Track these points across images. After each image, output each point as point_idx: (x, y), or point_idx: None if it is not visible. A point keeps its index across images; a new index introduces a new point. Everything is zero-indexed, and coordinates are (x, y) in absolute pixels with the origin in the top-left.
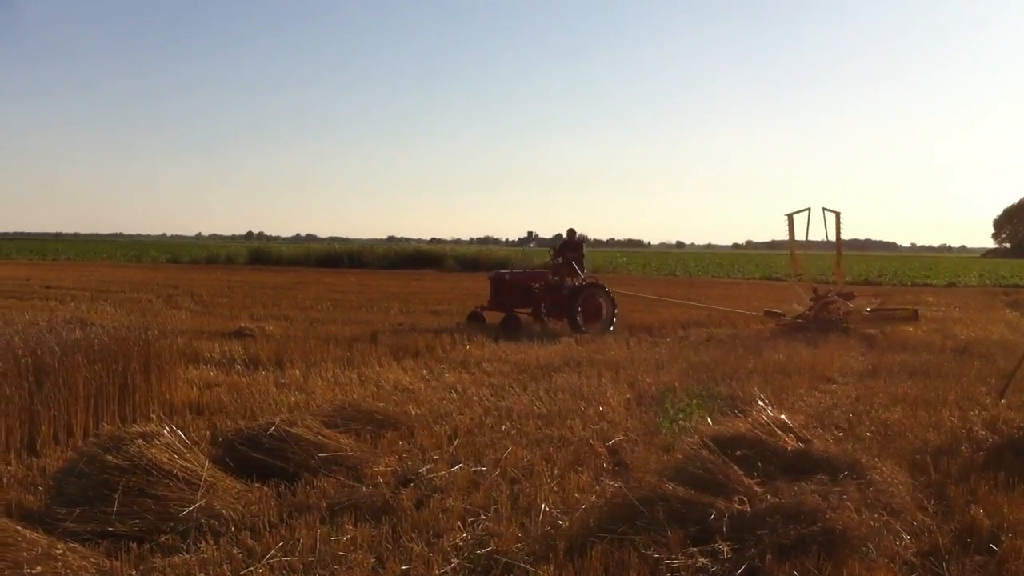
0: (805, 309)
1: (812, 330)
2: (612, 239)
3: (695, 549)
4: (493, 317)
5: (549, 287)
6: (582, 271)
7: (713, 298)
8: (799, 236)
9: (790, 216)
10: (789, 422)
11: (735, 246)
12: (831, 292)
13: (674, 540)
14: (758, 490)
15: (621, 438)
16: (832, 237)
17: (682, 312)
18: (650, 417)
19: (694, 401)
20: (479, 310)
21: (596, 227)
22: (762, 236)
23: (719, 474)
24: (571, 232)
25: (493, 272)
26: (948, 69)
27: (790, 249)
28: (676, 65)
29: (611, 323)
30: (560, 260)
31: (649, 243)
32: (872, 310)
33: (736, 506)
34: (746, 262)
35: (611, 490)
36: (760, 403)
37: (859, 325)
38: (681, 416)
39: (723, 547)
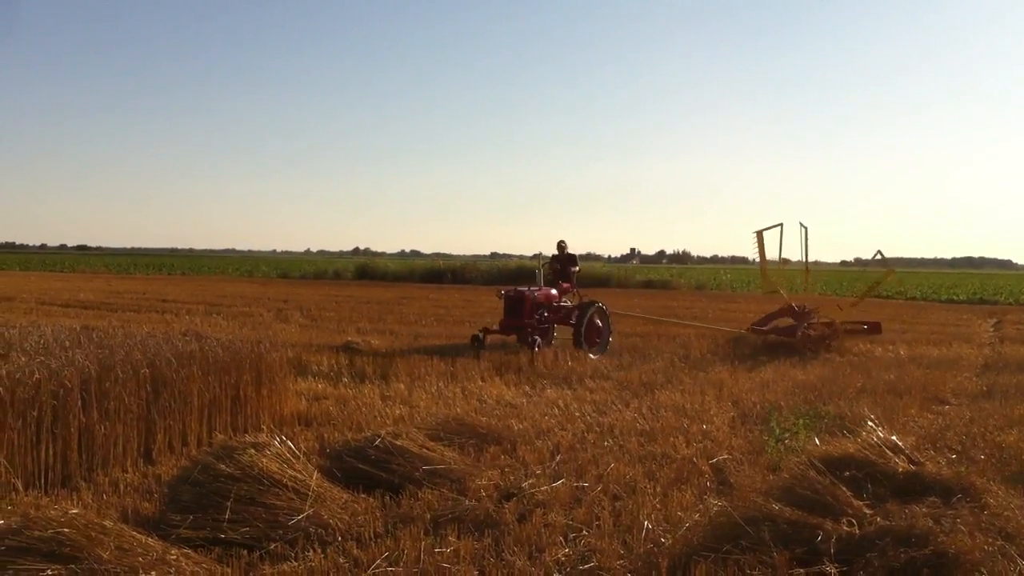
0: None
1: (800, 347)
2: (716, 256)
3: (802, 571)
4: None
5: (559, 307)
6: (574, 285)
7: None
8: (771, 253)
9: (759, 232)
10: (900, 443)
11: (842, 263)
12: (806, 307)
13: (780, 561)
14: (867, 512)
15: (725, 456)
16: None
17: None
18: (755, 436)
19: (800, 420)
20: (482, 333)
21: (700, 244)
22: (871, 253)
23: (827, 495)
24: (561, 245)
25: (510, 289)
26: None
27: (760, 265)
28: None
29: (607, 344)
30: (556, 272)
31: (754, 260)
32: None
33: (845, 528)
34: (854, 279)
35: (715, 509)
36: (870, 424)
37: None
38: (787, 435)
39: (831, 569)
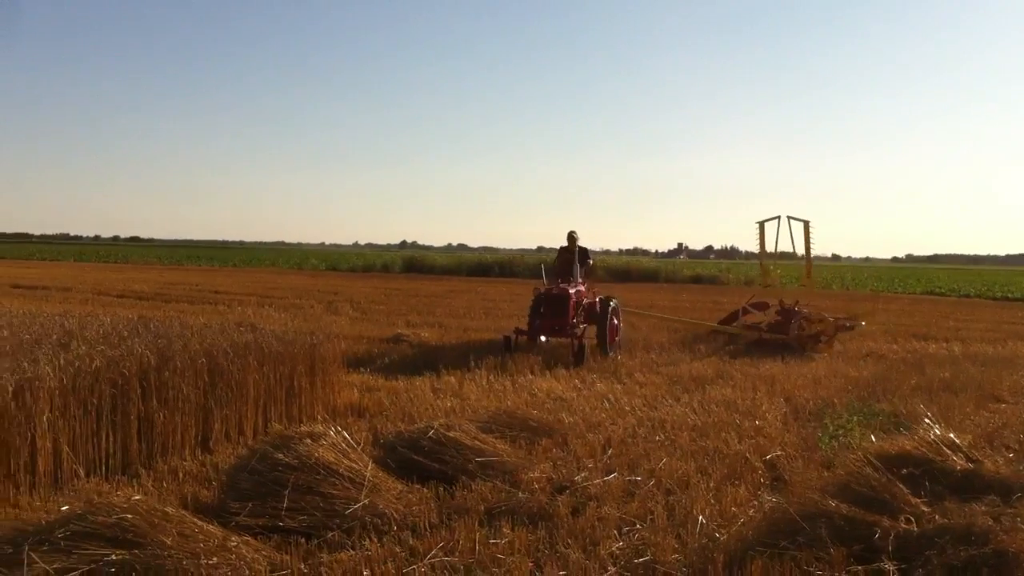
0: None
1: (793, 344)
2: (782, 252)
3: (859, 568)
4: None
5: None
6: (588, 281)
7: (872, 313)
8: (768, 245)
9: (761, 224)
10: (957, 441)
11: (895, 260)
12: (797, 304)
13: (837, 558)
14: (925, 510)
15: (778, 453)
16: (801, 247)
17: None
18: (808, 432)
19: (854, 417)
20: (515, 335)
21: (747, 239)
22: (924, 250)
23: (884, 492)
24: (571, 236)
25: (552, 286)
26: None
27: (759, 258)
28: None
29: (618, 344)
30: (566, 267)
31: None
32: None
33: (902, 525)
34: (907, 276)
35: (770, 504)
36: (926, 421)
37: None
38: (841, 432)
39: (889, 566)
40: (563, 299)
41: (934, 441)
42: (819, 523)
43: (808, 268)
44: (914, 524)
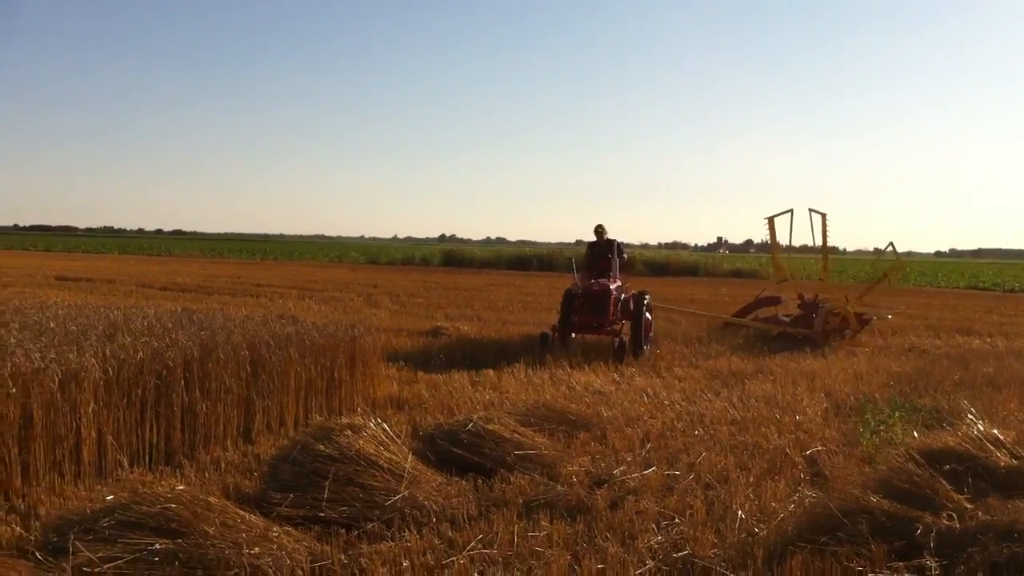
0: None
1: (819, 340)
2: (804, 245)
3: (901, 564)
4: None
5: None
6: (616, 275)
7: (914, 307)
8: (782, 239)
9: (771, 219)
10: (1001, 437)
11: (937, 254)
12: (819, 297)
13: (878, 554)
14: (968, 506)
15: (818, 448)
16: (819, 239)
17: (880, 320)
18: (849, 428)
19: (896, 413)
20: (552, 332)
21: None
22: (968, 244)
23: (926, 488)
24: (599, 230)
25: (593, 282)
26: None
27: (772, 252)
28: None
29: (650, 340)
30: (596, 263)
31: (845, 250)
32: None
33: (944, 522)
34: (950, 271)
35: (810, 500)
36: (970, 417)
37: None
38: (882, 427)
39: (931, 563)
40: (603, 295)
41: (977, 437)
42: (860, 519)
43: (825, 262)
44: (956, 521)
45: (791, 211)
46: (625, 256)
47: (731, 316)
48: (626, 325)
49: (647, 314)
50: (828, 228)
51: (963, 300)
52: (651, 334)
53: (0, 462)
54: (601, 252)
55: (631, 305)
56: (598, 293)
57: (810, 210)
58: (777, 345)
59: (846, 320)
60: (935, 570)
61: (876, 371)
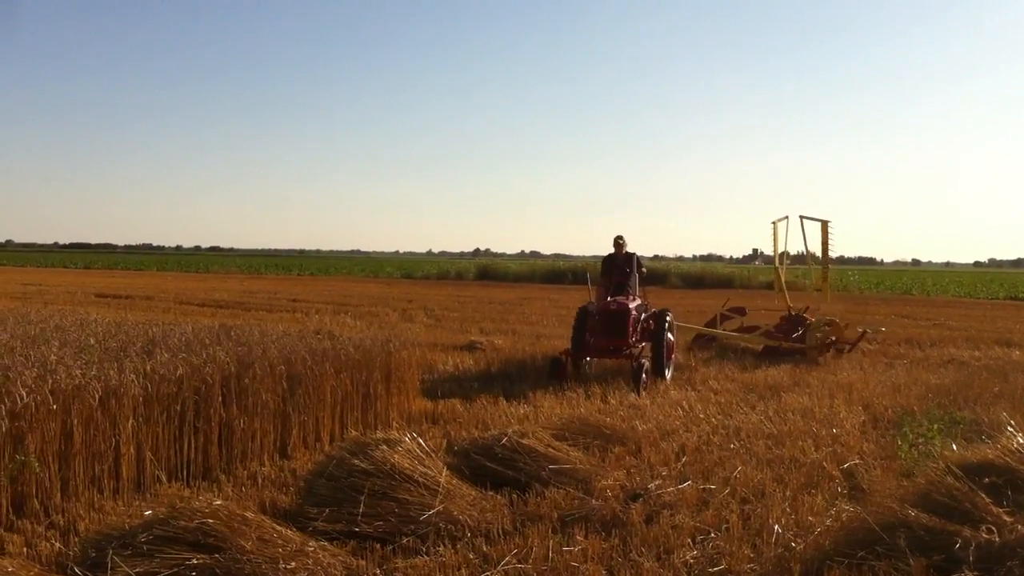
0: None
1: (812, 355)
2: (842, 256)
3: None
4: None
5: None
6: (635, 291)
7: (953, 318)
8: (795, 247)
9: (775, 224)
10: None
11: (976, 264)
12: (808, 311)
13: (917, 568)
14: (1008, 520)
15: (856, 461)
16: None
17: (919, 332)
18: (887, 441)
19: (935, 425)
20: (565, 357)
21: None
22: (1007, 254)
23: (965, 502)
24: (618, 242)
25: (610, 301)
26: None
27: (775, 260)
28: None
29: (673, 362)
30: (612, 278)
31: (882, 260)
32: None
33: (984, 535)
34: (989, 281)
35: (847, 514)
36: (1010, 429)
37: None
38: (921, 440)
39: None
40: (622, 315)
41: (1017, 450)
42: (898, 533)
43: (824, 272)
44: (996, 534)
45: (787, 218)
46: (644, 271)
47: (701, 327)
48: (646, 347)
49: (669, 334)
50: (830, 236)
51: (1002, 311)
52: (674, 355)
53: (40, 478)
54: (618, 266)
55: (651, 324)
56: (616, 313)
57: (801, 217)
58: (764, 358)
59: (839, 334)
60: None
61: (914, 383)
